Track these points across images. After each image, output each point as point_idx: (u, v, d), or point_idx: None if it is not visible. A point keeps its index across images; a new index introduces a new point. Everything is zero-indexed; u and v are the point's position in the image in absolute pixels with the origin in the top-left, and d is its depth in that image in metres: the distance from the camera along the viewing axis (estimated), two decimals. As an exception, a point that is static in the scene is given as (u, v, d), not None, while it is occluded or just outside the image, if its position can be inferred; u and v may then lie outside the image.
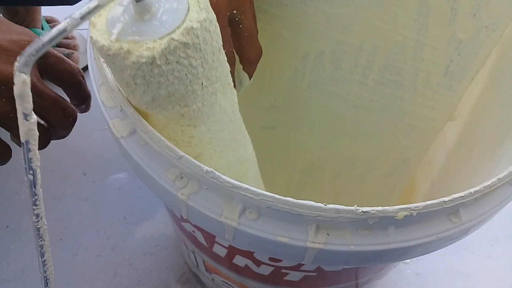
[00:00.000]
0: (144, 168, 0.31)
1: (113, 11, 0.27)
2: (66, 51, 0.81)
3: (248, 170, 0.40)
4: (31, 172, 0.26)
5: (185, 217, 0.32)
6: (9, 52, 0.32)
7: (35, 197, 0.27)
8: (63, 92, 0.38)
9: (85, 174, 0.75)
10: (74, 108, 0.36)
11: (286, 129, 0.59)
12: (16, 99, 0.24)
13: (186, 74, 0.27)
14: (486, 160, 0.44)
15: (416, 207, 0.27)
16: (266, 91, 0.56)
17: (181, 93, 0.28)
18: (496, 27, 0.41)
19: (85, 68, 0.85)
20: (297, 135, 0.60)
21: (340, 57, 0.49)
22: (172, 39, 0.25)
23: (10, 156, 0.36)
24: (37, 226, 0.28)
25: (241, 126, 0.38)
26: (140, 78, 0.26)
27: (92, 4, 0.22)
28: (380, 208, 0.26)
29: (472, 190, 0.28)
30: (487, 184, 0.28)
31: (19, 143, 0.35)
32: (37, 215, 0.27)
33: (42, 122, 0.36)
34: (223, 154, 0.35)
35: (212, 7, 0.30)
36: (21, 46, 0.32)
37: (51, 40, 0.22)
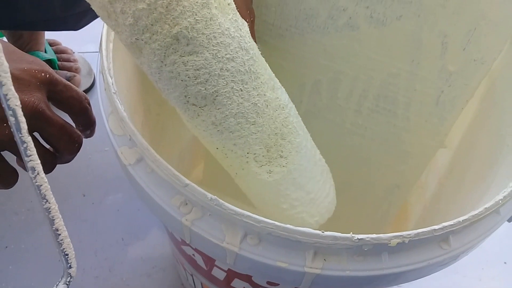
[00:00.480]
0: (150, 194, 0.32)
1: None
2: (68, 73, 0.83)
3: (287, 121, 0.34)
4: (11, 112, 0.23)
5: (188, 242, 0.33)
6: (20, 81, 0.33)
7: (24, 145, 0.24)
8: (69, 117, 0.40)
9: (84, 195, 0.76)
10: (79, 133, 0.38)
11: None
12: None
13: None
14: (477, 186, 0.46)
15: (408, 234, 0.28)
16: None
17: (163, 5, 0.25)
18: (485, 61, 0.43)
19: (87, 90, 0.86)
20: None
21: (336, 86, 0.51)
22: None
23: (17, 180, 0.37)
24: (36, 183, 0.25)
25: (260, 60, 0.33)
26: None
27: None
28: (374, 235, 0.28)
29: (461, 218, 0.29)
30: (475, 213, 0.30)
31: (24, 166, 0.36)
32: (33, 169, 0.25)
33: (48, 147, 0.37)
34: (245, 93, 0.30)
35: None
36: (32, 75, 0.33)
37: None
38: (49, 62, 0.82)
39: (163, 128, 0.57)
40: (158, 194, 0.32)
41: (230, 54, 0.28)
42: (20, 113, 0.23)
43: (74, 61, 0.86)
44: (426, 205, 0.60)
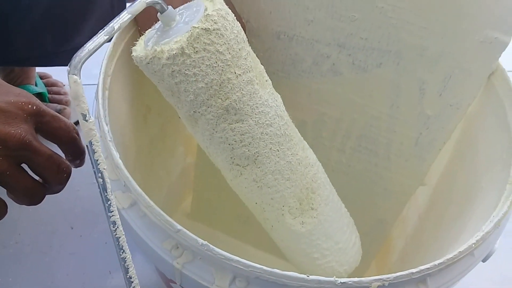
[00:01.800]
0: (142, 237, 0.34)
1: (148, 34, 0.33)
2: (59, 106, 0.84)
3: (316, 178, 0.39)
4: (99, 175, 0.28)
5: (178, 283, 0.34)
6: (7, 113, 0.33)
7: (109, 202, 0.29)
8: (57, 147, 0.40)
9: (72, 228, 0.77)
10: (68, 164, 0.38)
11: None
12: (72, 100, 0.27)
13: (216, 62, 0.31)
14: (455, 223, 0.48)
15: (387, 278, 0.30)
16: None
17: (217, 83, 0.31)
18: (460, 106, 0.46)
19: (77, 123, 0.88)
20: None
21: (320, 126, 0.53)
22: (194, 27, 0.30)
23: (6, 212, 0.37)
24: (116, 236, 0.29)
25: (292, 125, 0.38)
26: (177, 73, 0.30)
27: (123, 15, 0.28)
28: (356, 279, 0.30)
29: (436, 262, 0.31)
30: (450, 256, 0.32)
31: (15, 199, 0.36)
32: (114, 223, 0.29)
33: (37, 178, 0.37)
34: (281, 154, 0.35)
35: None
36: (19, 108, 0.34)
37: (97, 46, 0.28)
38: (40, 95, 0.84)
39: (153, 164, 0.58)
40: (150, 237, 0.34)
41: (269, 121, 0.34)
42: (106, 175, 0.28)
43: (65, 93, 0.87)
44: (408, 239, 0.62)
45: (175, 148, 0.65)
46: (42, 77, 0.89)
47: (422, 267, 0.31)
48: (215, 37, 0.30)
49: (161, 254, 0.33)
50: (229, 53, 0.31)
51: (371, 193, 0.57)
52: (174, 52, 0.30)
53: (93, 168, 0.28)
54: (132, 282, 0.29)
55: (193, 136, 0.36)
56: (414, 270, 0.30)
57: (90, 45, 0.28)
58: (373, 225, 0.60)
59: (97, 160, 0.28)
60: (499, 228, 0.35)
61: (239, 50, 0.32)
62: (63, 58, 0.66)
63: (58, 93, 0.87)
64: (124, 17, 0.29)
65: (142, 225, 0.34)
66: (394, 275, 0.30)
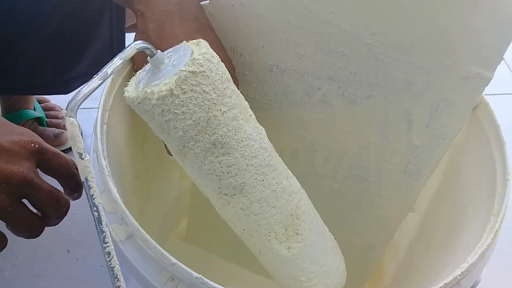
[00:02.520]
0: (138, 269, 0.35)
1: (139, 76, 0.35)
2: (56, 130, 0.85)
3: (300, 204, 0.41)
4: (95, 209, 0.31)
5: (173, 314, 0.35)
6: (10, 152, 0.35)
7: (103, 234, 0.31)
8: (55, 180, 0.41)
9: (68, 251, 0.77)
10: (67, 198, 0.39)
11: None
12: (69, 140, 0.31)
13: (203, 101, 0.33)
14: (444, 249, 0.49)
15: (376, 309, 0.31)
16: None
17: (204, 120, 0.33)
18: (446, 136, 0.47)
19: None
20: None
21: (312, 154, 0.55)
22: (181, 70, 0.32)
23: (6, 245, 0.38)
24: (111, 265, 0.32)
25: (276, 156, 0.41)
26: (167, 112, 0.32)
27: (116, 60, 0.31)
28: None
29: (423, 293, 0.32)
30: (436, 288, 0.33)
31: (14, 232, 0.37)
32: (109, 254, 0.31)
33: (35, 211, 0.38)
34: (266, 183, 0.37)
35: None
36: (22, 146, 0.35)
37: (91, 91, 0.31)
38: (38, 119, 0.85)
39: (150, 189, 0.59)
40: (146, 269, 0.35)
41: (253, 153, 0.36)
42: (101, 208, 0.31)
43: (62, 118, 0.89)
44: (400, 263, 0.63)
45: (171, 173, 0.67)
46: (40, 101, 0.90)
47: (408, 299, 0.32)
48: (201, 78, 0.32)
49: (156, 286, 0.34)
50: (215, 92, 0.33)
51: (362, 218, 0.58)
52: (163, 93, 0.32)
53: (89, 202, 0.31)
54: None
55: (183, 168, 0.38)
56: (400, 302, 0.32)
57: (85, 89, 0.30)
58: (364, 249, 0.62)
59: (93, 195, 0.31)
60: (483, 260, 0.36)
61: (224, 89, 0.34)
62: (62, 86, 0.67)
63: (56, 117, 0.88)
64: (116, 62, 0.31)
65: (139, 257, 0.35)
66: (381, 307, 0.31)
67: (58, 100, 0.93)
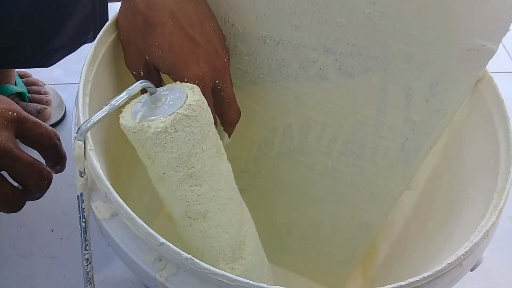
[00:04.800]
0: (124, 249, 0.33)
1: (135, 106, 0.38)
2: (39, 106, 0.82)
3: (248, 233, 0.46)
4: (83, 220, 0.34)
5: (162, 296, 0.33)
6: None
7: (86, 243, 0.34)
8: (38, 154, 0.39)
9: (52, 231, 0.75)
10: (49, 170, 0.37)
11: (255, 192, 0.62)
12: (74, 159, 0.33)
13: (189, 140, 0.37)
14: (440, 229, 0.48)
15: (376, 291, 0.30)
16: (237, 157, 0.59)
17: (187, 155, 0.37)
18: (446, 112, 0.46)
19: (58, 122, 0.86)
20: (265, 198, 0.63)
21: (307, 130, 0.53)
22: (178, 112, 0.36)
23: (23, 204, 0.37)
24: (86, 270, 0.36)
25: (237, 190, 0.46)
26: (157, 145, 0.36)
27: (123, 95, 0.35)
28: (344, 293, 0.29)
29: (425, 274, 0.31)
30: (439, 268, 0.31)
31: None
32: (87, 260, 0.36)
33: (16, 185, 0.37)
34: (225, 212, 0.42)
35: (198, 80, 0.41)
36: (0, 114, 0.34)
37: (100, 119, 0.33)
38: (20, 94, 0.82)
39: (136, 167, 0.57)
40: (132, 249, 0.33)
41: (221, 186, 0.41)
42: (89, 221, 0.35)
43: (45, 93, 0.85)
44: (394, 243, 0.61)
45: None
46: (22, 76, 0.86)
47: (411, 280, 0.30)
48: (192, 121, 0.37)
49: (143, 267, 0.32)
50: (200, 133, 0.38)
51: (357, 197, 0.57)
52: (159, 130, 0.35)
53: (79, 214, 0.34)
54: None
55: (156, 189, 0.41)
56: (403, 283, 0.30)
57: (95, 117, 0.33)
58: (358, 229, 0.60)
59: (84, 208, 0.34)
60: (487, 239, 0.35)
61: (208, 131, 0.39)
62: (42, 60, 0.64)
63: (39, 93, 0.85)
64: (123, 97, 0.35)
65: (124, 236, 0.33)
66: (382, 288, 0.30)
67: (40, 75, 0.89)
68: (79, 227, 0.33)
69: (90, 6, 0.60)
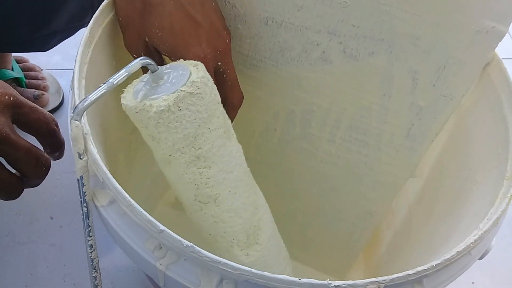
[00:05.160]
0: (123, 237, 0.32)
1: (137, 85, 0.37)
2: (37, 92, 0.81)
3: (263, 217, 0.45)
4: (85, 204, 0.33)
5: (161, 285, 0.32)
6: None
7: (89, 228, 0.33)
8: (36, 140, 0.38)
9: (52, 218, 0.74)
10: (47, 156, 0.36)
11: (257, 179, 0.60)
12: (71, 141, 0.31)
13: (195, 119, 0.36)
14: (446, 217, 0.47)
15: (383, 280, 0.29)
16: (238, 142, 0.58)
17: (193, 135, 0.36)
18: (453, 97, 0.44)
19: (56, 108, 0.84)
20: (267, 185, 0.62)
21: (309, 116, 0.51)
22: (181, 90, 0.35)
23: (21, 192, 0.36)
24: (91, 257, 0.34)
25: (249, 173, 0.44)
26: (161, 125, 0.35)
27: (122, 73, 0.33)
28: (350, 282, 0.28)
29: (434, 263, 0.30)
30: (448, 257, 0.30)
31: None
32: (91, 246, 0.34)
33: (14, 171, 0.36)
34: (238, 196, 0.41)
35: (200, 61, 0.39)
36: None
37: (97, 98, 0.32)
38: (16, 80, 0.80)
39: (136, 151, 0.56)
40: (132, 236, 0.32)
41: (231, 168, 0.39)
42: (91, 204, 0.33)
43: (42, 78, 0.84)
44: (397, 231, 0.61)
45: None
46: (18, 61, 0.85)
47: (419, 268, 0.29)
48: (197, 99, 0.35)
49: (143, 255, 0.31)
50: (206, 112, 0.36)
51: (360, 184, 0.56)
52: (161, 109, 0.34)
53: (80, 198, 0.32)
54: None
55: (163, 173, 0.40)
56: (411, 272, 0.29)
57: (92, 96, 0.32)
58: (362, 216, 0.59)
59: (85, 192, 0.32)
60: (497, 226, 0.34)
61: (214, 110, 0.38)
62: (39, 44, 0.63)
63: (36, 78, 0.83)
64: (122, 74, 0.33)
65: (123, 223, 0.32)
66: (389, 277, 0.29)
67: (38, 60, 0.88)
68: (81, 212, 0.32)
69: None
